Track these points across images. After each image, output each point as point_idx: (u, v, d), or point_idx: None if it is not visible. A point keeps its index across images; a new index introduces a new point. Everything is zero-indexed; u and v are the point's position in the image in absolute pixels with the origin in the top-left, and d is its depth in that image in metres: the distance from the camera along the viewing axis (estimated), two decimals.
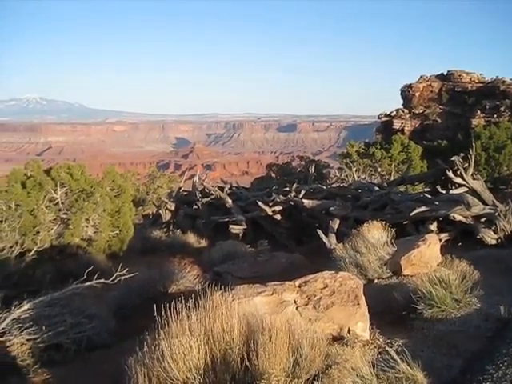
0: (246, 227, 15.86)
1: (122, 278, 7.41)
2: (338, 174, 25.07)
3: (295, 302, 5.69)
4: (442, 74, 57.19)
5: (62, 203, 11.95)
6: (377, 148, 29.32)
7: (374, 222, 9.57)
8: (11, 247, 9.95)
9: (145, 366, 4.27)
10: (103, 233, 12.28)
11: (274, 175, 29.72)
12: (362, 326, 5.64)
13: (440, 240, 9.48)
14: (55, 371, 6.20)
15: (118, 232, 12.75)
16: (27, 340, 6.48)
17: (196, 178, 20.03)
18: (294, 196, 15.57)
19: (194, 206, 19.06)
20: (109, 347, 7.12)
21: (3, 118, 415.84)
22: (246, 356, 4.28)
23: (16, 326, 6.60)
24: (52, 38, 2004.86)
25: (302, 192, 15.77)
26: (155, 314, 4.49)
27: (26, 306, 6.86)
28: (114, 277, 7.31)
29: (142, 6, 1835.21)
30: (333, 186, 17.96)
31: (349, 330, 5.55)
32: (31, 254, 10.37)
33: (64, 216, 11.85)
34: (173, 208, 19.34)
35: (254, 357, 4.19)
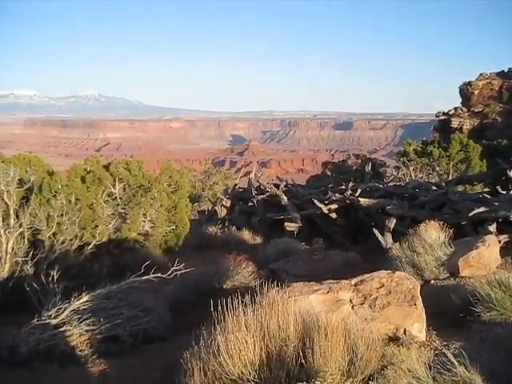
0: (301, 225, 15.80)
1: (179, 272, 7.51)
2: (394, 173, 24.76)
3: (351, 300, 5.67)
4: (503, 71, 55.74)
5: (120, 198, 12.15)
6: (435, 147, 28.77)
7: (432, 221, 9.44)
8: (71, 240, 10.18)
9: (200, 360, 4.32)
10: (160, 228, 12.44)
11: (329, 173, 29.54)
12: (418, 327, 5.57)
13: (499, 242, 9.27)
14: (112, 362, 6.32)
15: (174, 227, 12.90)
16: (86, 331, 6.63)
17: (252, 175, 20.06)
18: (350, 194, 15.45)
19: (250, 203, 19.08)
20: (164, 340, 7.21)
21: (64, 114, 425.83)
22: (301, 353, 4.28)
23: (75, 317, 6.77)
24: (111, 36, 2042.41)
25: (359, 190, 15.65)
26: (211, 309, 4.54)
27: (84, 298, 7.03)
28: (170, 271, 7.42)
29: (198, 4, 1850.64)
30: (389, 184, 17.73)
31: (405, 331, 5.49)
32: (90, 247, 10.57)
33: (122, 211, 12.05)
34: (228, 205, 19.41)
35: (310, 354, 4.20)
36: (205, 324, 4.69)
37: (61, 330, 6.57)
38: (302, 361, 4.24)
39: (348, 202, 15.36)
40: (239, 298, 4.56)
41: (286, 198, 17.25)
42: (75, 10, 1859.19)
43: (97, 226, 11.09)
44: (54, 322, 6.66)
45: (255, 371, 4.26)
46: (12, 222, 9.33)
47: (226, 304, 4.49)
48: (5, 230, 9.12)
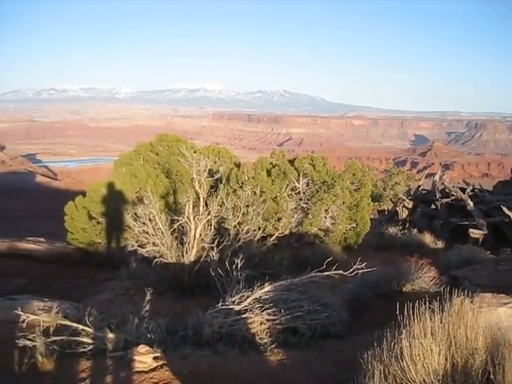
0: (486, 232, 15.09)
1: (360, 271, 7.45)
2: None
3: None
4: None
5: (304, 193, 12.33)
6: None
7: None
8: (254, 231, 10.46)
9: (382, 362, 4.25)
10: (340, 225, 12.46)
11: None
12: None
13: None
14: (290, 354, 6.40)
15: (354, 225, 12.85)
16: (266, 320, 6.78)
17: (436, 177, 19.48)
18: None
19: (433, 206, 18.57)
20: (341, 338, 7.19)
21: (250, 109, 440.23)
22: (489, 368, 4.07)
23: (257, 306, 6.94)
24: (296, 35, 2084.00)
25: None
26: (391, 311, 4.46)
27: (267, 288, 7.20)
28: (351, 269, 7.38)
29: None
30: None
31: None
32: (272, 239, 10.82)
33: (304, 205, 12.21)
34: (410, 206, 19.03)
35: (499, 371, 3.97)
36: (386, 325, 4.61)
37: (243, 316, 6.78)
38: (491, 376, 4.02)
39: None
40: (426, 303, 4.43)
41: (471, 204, 16.55)
42: (264, 11, 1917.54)
43: (280, 219, 11.31)
44: (236, 308, 6.88)
45: (438, 381, 4.12)
46: (201, 209, 9.78)
47: (413, 308, 4.38)
48: (194, 217, 9.59)
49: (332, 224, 12.44)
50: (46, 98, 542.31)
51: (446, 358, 4.17)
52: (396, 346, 4.26)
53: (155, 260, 9.50)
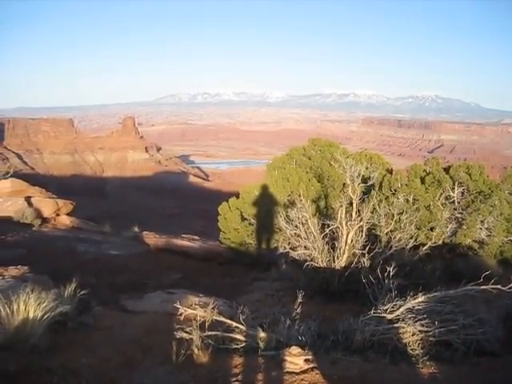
0: None
1: None
2: None
3: None
4: None
5: (458, 202, 11.95)
6: None
7: None
8: (406, 239, 10.32)
9: None
10: (496, 237, 11.94)
11: None
12: None
13: None
14: (442, 368, 6.24)
15: None
16: (419, 331, 6.66)
17: None
18: None
19: None
20: (496, 356, 6.91)
21: (400, 114, 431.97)
22: None
23: (409, 316, 6.84)
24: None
25: None
26: None
27: (420, 298, 7.06)
28: (511, 284, 7.08)
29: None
30: None
31: None
32: (424, 248, 10.61)
33: (459, 215, 11.84)
34: None
35: None
36: None
37: (395, 325, 6.71)
38: None
39: None
40: None
41: None
42: (416, 13, 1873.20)
43: (432, 228, 11.07)
44: (389, 316, 6.83)
45: None
46: (354, 215, 9.79)
47: None
48: (346, 222, 9.61)
49: (487, 236, 11.93)
50: (200, 102, 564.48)
51: None
52: None
53: (306, 263, 9.61)
